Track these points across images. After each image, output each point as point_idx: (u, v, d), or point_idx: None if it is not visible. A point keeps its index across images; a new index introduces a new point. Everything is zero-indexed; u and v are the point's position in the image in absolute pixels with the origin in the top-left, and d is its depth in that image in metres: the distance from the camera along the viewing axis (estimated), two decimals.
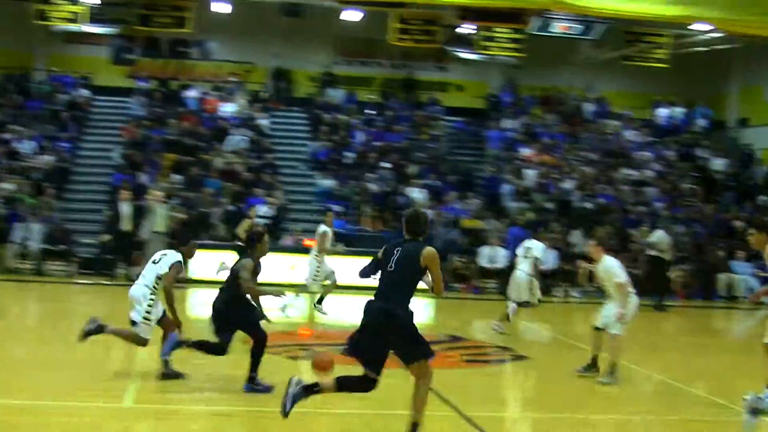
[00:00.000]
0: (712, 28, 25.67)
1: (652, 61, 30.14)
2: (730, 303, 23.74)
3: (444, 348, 14.49)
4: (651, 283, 21.45)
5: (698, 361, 15.01)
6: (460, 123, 32.62)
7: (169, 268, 10.69)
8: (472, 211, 25.81)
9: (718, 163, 31.88)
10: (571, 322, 20.22)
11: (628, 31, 29.02)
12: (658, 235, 22.68)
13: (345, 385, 8.42)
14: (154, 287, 10.73)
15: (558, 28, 27.93)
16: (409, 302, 8.34)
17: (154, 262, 10.95)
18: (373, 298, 8.41)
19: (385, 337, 8.26)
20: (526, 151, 29.65)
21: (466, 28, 28.78)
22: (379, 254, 8.55)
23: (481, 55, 29.36)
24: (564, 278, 23.73)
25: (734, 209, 28.55)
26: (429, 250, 8.36)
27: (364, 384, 8.38)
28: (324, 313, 17.15)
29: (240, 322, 10.48)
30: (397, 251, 8.40)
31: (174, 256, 10.84)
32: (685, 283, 24.31)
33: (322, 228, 17.39)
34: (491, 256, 23.31)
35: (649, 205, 27.44)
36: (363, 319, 8.37)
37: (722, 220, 27.54)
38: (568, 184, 27.70)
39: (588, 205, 26.54)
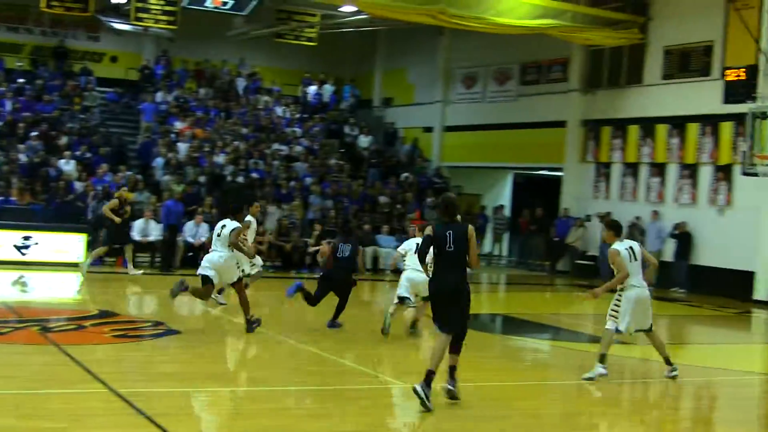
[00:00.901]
0: (357, 9, 26.73)
1: (302, 40, 30.96)
2: (375, 275, 24.98)
3: (94, 323, 14.33)
4: None
5: (344, 333, 15.74)
6: (113, 94, 31.96)
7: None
8: (125, 184, 25.39)
9: (364, 141, 33.39)
10: (222, 294, 20.47)
11: (279, 9, 29.61)
12: None
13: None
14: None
15: (211, 2, 27.98)
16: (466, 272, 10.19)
17: (218, 236, 14.20)
18: (438, 274, 10.06)
19: (457, 304, 9.99)
20: (179, 125, 29.58)
21: None
22: (429, 237, 10.04)
23: (134, 26, 28.88)
24: None
25: (379, 185, 30.02)
26: (471, 227, 10.15)
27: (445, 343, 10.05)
28: None
29: None
30: (449, 234, 9.94)
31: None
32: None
33: None
34: (144, 229, 23.07)
35: (298, 180, 28.24)
36: (438, 294, 10.10)
37: (368, 196, 28.87)
38: (220, 158, 27.93)
39: (240, 179, 26.91)
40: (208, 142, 28.89)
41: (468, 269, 10.37)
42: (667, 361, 12.49)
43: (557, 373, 13.42)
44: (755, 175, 18.84)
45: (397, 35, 35.86)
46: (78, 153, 26.49)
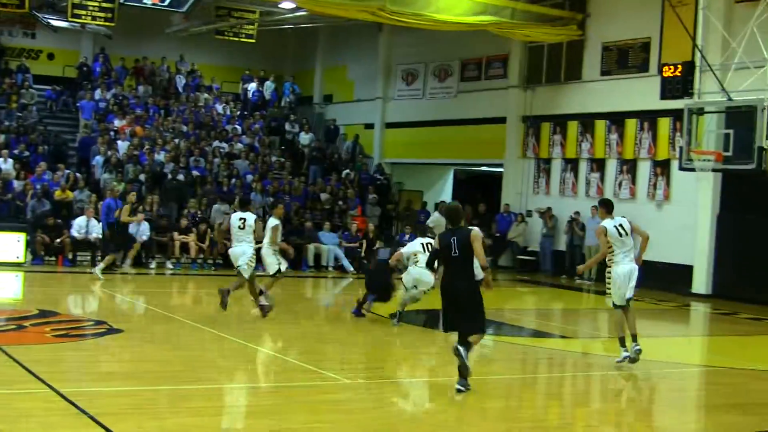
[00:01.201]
0: (297, 6, 26.68)
1: (242, 36, 30.82)
2: (317, 272, 24.95)
3: (35, 323, 14.16)
4: None
5: (289, 330, 15.71)
6: (50, 92, 31.55)
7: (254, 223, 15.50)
8: (64, 183, 25.09)
9: (305, 138, 33.33)
10: (166, 293, 20.37)
11: (218, 6, 29.44)
12: (434, 218, 23.33)
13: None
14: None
15: None
16: (474, 276, 10.77)
17: (240, 228, 15.46)
18: (447, 279, 10.68)
19: (465, 307, 10.60)
20: (117, 123, 29.30)
21: None
22: (437, 246, 10.93)
23: (71, 23, 28.51)
24: (158, 250, 23.80)
25: (320, 182, 29.98)
26: (474, 231, 10.81)
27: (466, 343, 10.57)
28: None
29: None
30: (454, 240, 10.62)
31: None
32: None
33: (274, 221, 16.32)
34: (84, 227, 22.81)
35: (239, 177, 28.11)
36: (448, 298, 10.66)
37: (309, 193, 28.82)
38: (161, 156, 27.70)
39: (181, 177, 26.71)
40: (147, 139, 28.64)
41: (480, 271, 11.01)
42: (634, 338, 12.88)
43: (500, 368, 13.51)
44: (692, 170, 19.11)
45: (337, 32, 35.85)
46: (16, 151, 26.14)
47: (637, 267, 12.97)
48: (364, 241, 26.08)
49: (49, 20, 30.73)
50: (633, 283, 12.90)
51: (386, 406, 10.08)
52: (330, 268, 25.23)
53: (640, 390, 12.52)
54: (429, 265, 11.57)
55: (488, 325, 15.47)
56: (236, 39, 30.94)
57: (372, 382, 11.51)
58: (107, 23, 26.66)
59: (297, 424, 9.12)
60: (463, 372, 10.47)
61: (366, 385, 11.21)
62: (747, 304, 21.39)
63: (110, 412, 8.93)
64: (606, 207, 13.14)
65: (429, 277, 15.03)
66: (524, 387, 12.01)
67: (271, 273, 16.13)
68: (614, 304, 13.04)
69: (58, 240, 22.53)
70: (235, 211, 16.59)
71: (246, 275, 15.69)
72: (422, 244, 15.65)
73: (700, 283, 23.45)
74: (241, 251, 15.57)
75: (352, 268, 25.12)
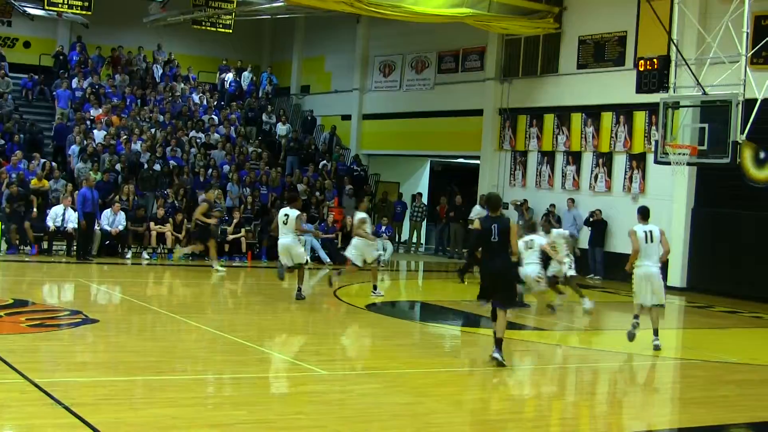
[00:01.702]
0: None
1: (219, 27, 30.67)
2: (311, 264, 24.93)
3: (9, 313, 14.09)
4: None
5: (266, 321, 15.71)
6: (26, 80, 31.34)
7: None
8: (40, 171, 24.95)
9: (282, 128, 33.28)
10: (141, 283, 20.33)
11: None
12: (477, 211, 23.33)
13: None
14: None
15: None
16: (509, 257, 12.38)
17: (284, 223, 17.32)
18: (487, 259, 12.19)
19: (502, 283, 12.17)
20: (94, 112, 29.15)
21: None
22: (477, 230, 12.18)
23: (48, 11, 28.31)
24: (134, 240, 23.74)
25: (297, 173, 29.95)
26: (512, 221, 12.63)
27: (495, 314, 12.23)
28: None
29: None
30: (495, 226, 12.02)
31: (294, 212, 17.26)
32: (252, 243, 25.19)
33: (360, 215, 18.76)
34: (60, 217, 22.71)
35: (216, 167, 28.03)
36: (488, 275, 12.24)
37: (287, 184, 28.78)
38: (137, 146, 27.60)
39: (157, 167, 26.62)
40: (124, 129, 28.51)
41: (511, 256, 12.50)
42: (655, 333, 14.24)
43: (475, 360, 13.58)
44: (668, 163, 19.20)
45: (315, 23, 35.80)
46: None
47: (656, 272, 14.19)
48: (340, 233, 26.13)
49: (26, 8, 30.51)
50: (655, 287, 14.20)
51: (363, 397, 10.12)
52: (307, 260, 25.18)
53: (615, 383, 12.62)
54: (473, 248, 13.43)
55: (464, 317, 15.59)
56: (213, 29, 30.77)
57: (349, 373, 11.55)
58: (84, 12, 26.46)
59: (274, 415, 9.14)
60: (502, 364, 11.95)
61: (343, 377, 11.25)
62: (722, 297, 21.56)
63: (86, 402, 8.92)
64: (641, 214, 14.50)
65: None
66: (499, 379, 12.06)
67: (369, 262, 18.43)
68: (641, 305, 14.38)
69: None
70: (282, 207, 18.84)
71: (302, 260, 17.81)
72: (525, 242, 16.82)
73: (675, 276, 23.59)
74: (289, 242, 17.57)
75: (328, 260, 25.12)
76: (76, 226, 22.47)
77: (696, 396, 11.55)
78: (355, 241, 18.55)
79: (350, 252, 18.66)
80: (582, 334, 16.82)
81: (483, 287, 12.38)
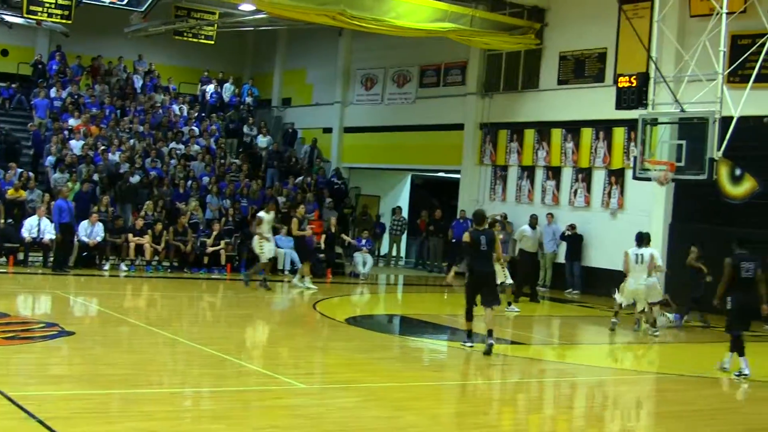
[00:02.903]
0: (257, 8, 26.64)
1: (201, 38, 30.70)
2: (273, 276, 24.83)
3: None
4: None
5: (244, 334, 15.67)
6: (4, 89, 31.19)
7: None
8: (17, 182, 24.82)
9: (263, 141, 33.24)
10: (118, 295, 20.22)
11: (177, 6, 29.29)
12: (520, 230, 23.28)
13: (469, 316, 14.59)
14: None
15: None
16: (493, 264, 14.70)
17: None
18: (477, 266, 14.34)
19: (488, 286, 14.52)
20: (72, 122, 29.02)
21: None
22: (468, 242, 14.33)
23: (27, 20, 28.20)
24: (112, 251, 23.63)
25: (278, 185, 29.90)
26: (495, 232, 15.37)
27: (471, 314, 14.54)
28: None
29: None
30: (482, 237, 14.28)
31: None
32: (231, 255, 25.11)
33: None
34: (35, 227, 22.60)
35: (196, 179, 27.95)
36: (476, 280, 14.40)
37: (267, 196, 28.71)
38: (115, 157, 27.48)
39: (136, 178, 26.51)
40: (103, 139, 28.40)
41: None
42: (653, 324, 17.96)
43: (454, 374, 13.59)
44: (646, 179, 19.30)
45: (297, 35, 35.81)
46: None
47: (643, 287, 17.85)
48: (324, 235, 26.13)
49: (4, 16, 30.34)
50: (639, 296, 17.98)
51: (342, 410, 10.10)
52: (286, 272, 25.16)
53: (592, 397, 12.64)
54: (464, 255, 14.95)
55: (444, 331, 15.63)
56: (195, 40, 30.81)
57: (328, 386, 11.53)
58: (64, 21, 26.42)
59: (251, 429, 9.11)
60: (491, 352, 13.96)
61: (321, 390, 11.23)
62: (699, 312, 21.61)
63: (60, 416, 8.86)
64: (636, 239, 18.35)
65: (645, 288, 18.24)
66: (477, 392, 12.08)
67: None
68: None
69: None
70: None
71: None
72: (636, 255, 18.21)
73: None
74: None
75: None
76: (53, 237, 22.36)
77: (672, 410, 11.58)
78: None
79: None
80: (559, 348, 16.86)
81: (473, 291, 14.48)
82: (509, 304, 20.40)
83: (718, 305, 14.32)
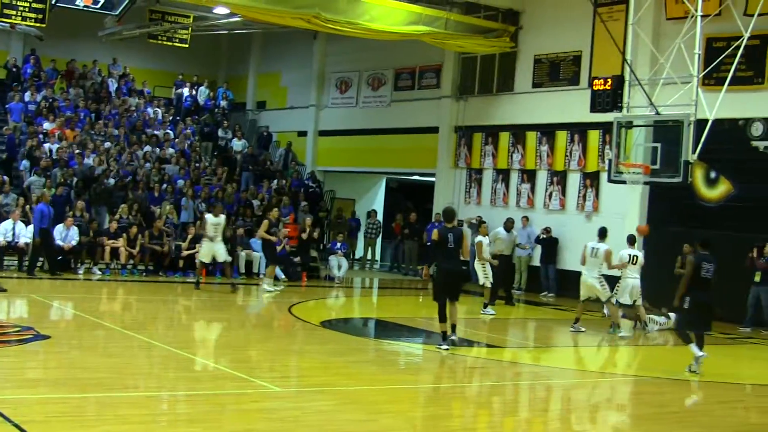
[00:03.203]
0: (231, 12, 26.61)
1: (175, 41, 30.59)
2: (248, 279, 24.82)
3: None
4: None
5: (220, 337, 15.63)
6: None
7: None
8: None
9: (238, 144, 33.18)
10: (93, 299, 20.13)
11: (152, 9, 29.18)
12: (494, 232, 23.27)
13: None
14: None
15: (81, 0, 27.48)
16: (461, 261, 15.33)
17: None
18: (444, 262, 14.70)
19: (456, 283, 14.95)
20: (47, 125, 28.87)
21: None
22: (436, 239, 14.59)
23: (1, 23, 28.00)
24: (87, 255, 23.51)
25: (252, 189, 29.84)
26: (465, 230, 15.36)
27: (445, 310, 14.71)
28: None
29: None
30: (450, 235, 14.58)
31: None
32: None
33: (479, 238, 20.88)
34: (9, 231, 22.43)
35: (171, 182, 27.87)
36: (444, 277, 14.75)
37: (242, 199, 28.67)
38: (90, 160, 27.36)
39: (111, 181, 26.40)
40: (78, 143, 28.25)
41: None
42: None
43: (429, 377, 13.61)
44: (621, 182, 19.43)
45: (272, 39, 35.79)
46: None
47: (596, 280, 18.55)
48: (304, 235, 26.09)
49: None
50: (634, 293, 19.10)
51: (317, 414, 10.09)
52: (261, 275, 25.11)
53: (567, 400, 12.69)
54: (426, 255, 15.75)
55: (418, 334, 15.67)
56: (170, 43, 30.70)
57: (302, 390, 11.51)
58: (38, 24, 26.24)
59: None
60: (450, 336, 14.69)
61: (297, 393, 11.22)
62: (674, 315, 21.72)
63: (36, 419, 8.81)
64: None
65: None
66: (452, 396, 12.10)
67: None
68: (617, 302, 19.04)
69: None
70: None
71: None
72: (630, 255, 19.09)
73: (626, 293, 23.75)
74: None
75: (283, 276, 25.04)
76: (29, 240, 22.22)
77: (648, 412, 11.64)
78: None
79: None
80: (534, 351, 16.91)
81: (438, 287, 14.96)
82: (485, 306, 20.48)
83: (677, 305, 14.44)
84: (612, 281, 19.29)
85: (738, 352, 18.65)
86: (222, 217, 22.03)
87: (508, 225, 23.53)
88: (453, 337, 14.65)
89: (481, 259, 20.51)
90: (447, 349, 14.48)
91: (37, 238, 21.93)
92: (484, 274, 20.64)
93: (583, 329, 18.32)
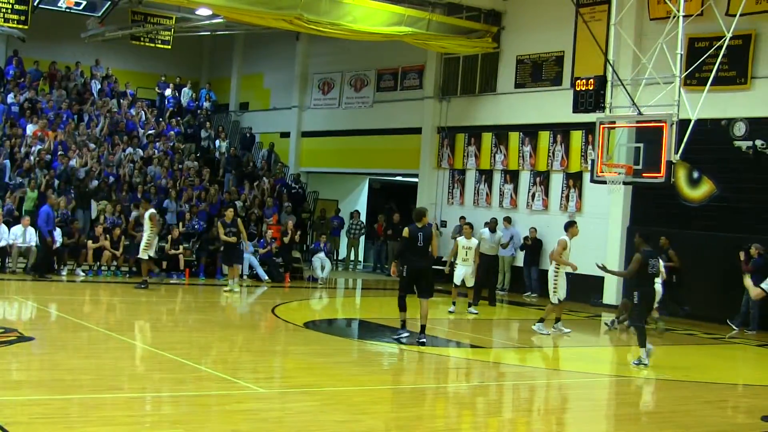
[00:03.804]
0: (213, 13, 26.58)
1: (158, 42, 30.53)
2: (248, 282, 24.78)
3: None
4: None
5: (203, 338, 15.60)
6: None
7: None
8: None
9: (221, 145, 33.13)
10: (77, 300, 20.07)
11: (134, 11, 29.11)
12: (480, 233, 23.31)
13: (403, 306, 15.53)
14: None
15: (63, 2, 27.43)
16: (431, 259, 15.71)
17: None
18: (413, 260, 15.13)
19: (425, 280, 15.35)
20: (30, 127, 28.75)
21: None
22: (406, 237, 15.12)
23: None
24: (71, 255, 23.44)
25: (235, 190, 29.81)
26: (434, 229, 16.22)
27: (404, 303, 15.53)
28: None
29: None
30: (420, 234, 15.13)
31: None
32: (190, 260, 24.99)
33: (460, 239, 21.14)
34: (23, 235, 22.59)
35: (154, 184, 27.79)
36: (413, 272, 15.16)
37: (224, 201, 28.63)
38: (73, 162, 27.26)
39: (94, 182, 26.32)
40: (60, 144, 28.15)
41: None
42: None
43: (413, 377, 13.63)
44: (604, 182, 19.50)
45: (254, 40, 35.76)
46: None
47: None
48: (286, 239, 26.07)
49: None
50: None
51: (301, 414, 10.10)
52: (245, 277, 25.08)
53: (553, 400, 12.73)
54: (397, 254, 15.70)
55: (399, 335, 15.68)
56: (152, 45, 30.63)
57: (286, 391, 11.51)
58: (21, 26, 26.11)
59: None
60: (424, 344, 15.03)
61: (281, 394, 11.22)
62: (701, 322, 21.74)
63: (20, 421, 8.79)
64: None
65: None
66: (437, 396, 12.12)
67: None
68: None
69: None
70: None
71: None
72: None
73: (611, 293, 23.91)
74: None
75: (266, 277, 25.02)
76: (33, 243, 22.55)
77: (628, 412, 11.69)
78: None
79: None
80: (519, 352, 16.95)
81: (408, 284, 15.32)
82: (469, 305, 20.52)
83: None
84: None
85: (728, 353, 18.74)
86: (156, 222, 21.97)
87: (492, 225, 23.56)
88: (423, 339, 15.12)
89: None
90: (407, 336, 15.34)
91: (48, 239, 22.00)
92: (471, 275, 20.66)
93: (566, 330, 18.35)
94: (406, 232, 15.30)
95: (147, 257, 21.48)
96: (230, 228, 22.15)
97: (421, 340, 15.06)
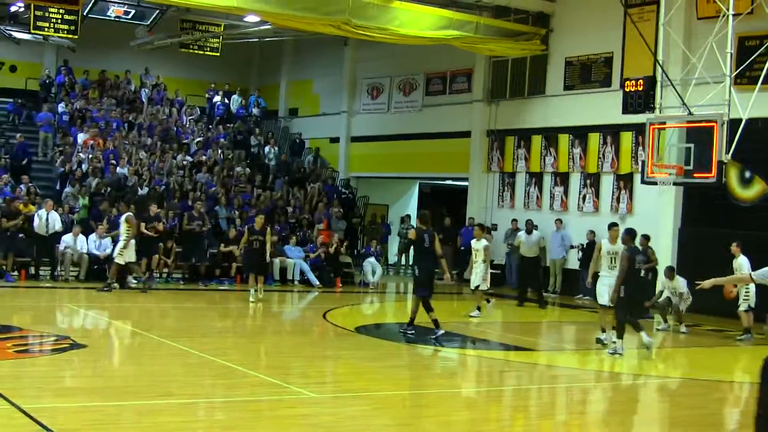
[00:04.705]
0: (262, 20, 26.70)
1: (206, 50, 30.74)
2: (283, 286, 24.86)
3: None
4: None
5: (255, 344, 15.67)
6: (12, 105, 31.31)
7: None
8: (26, 196, 24.85)
9: (270, 151, 33.28)
10: (129, 308, 20.18)
11: (183, 19, 29.35)
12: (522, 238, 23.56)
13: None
14: None
15: (112, 11, 27.74)
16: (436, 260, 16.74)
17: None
18: (422, 261, 16.60)
19: (431, 280, 16.57)
20: (81, 135, 29.11)
21: (19, 6, 27.68)
22: (412, 238, 16.59)
23: (34, 35, 28.31)
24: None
25: (286, 196, 29.91)
26: (436, 234, 16.72)
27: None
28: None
29: None
30: (426, 236, 16.23)
31: None
32: (241, 267, 25.07)
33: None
34: (73, 243, 22.79)
35: (204, 191, 27.96)
36: (424, 273, 16.49)
37: (276, 207, 28.73)
38: (124, 170, 27.52)
39: (144, 189, 26.55)
40: (111, 152, 28.45)
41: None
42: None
43: (465, 381, 13.57)
44: (654, 183, 19.29)
45: (303, 46, 35.89)
46: None
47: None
48: (331, 249, 26.09)
49: (11, 32, 30.50)
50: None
51: (352, 419, 10.09)
52: (296, 282, 25.14)
53: (604, 402, 12.61)
54: (401, 252, 16.39)
55: (454, 339, 15.63)
56: (201, 52, 30.85)
57: (338, 396, 11.52)
58: (70, 36, 26.46)
59: None
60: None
61: (332, 399, 11.23)
62: (709, 316, 21.57)
63: (73, 428, 8.88)
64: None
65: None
66: (489, 400, 12.06)
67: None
68: None
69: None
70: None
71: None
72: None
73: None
74: None
75: (317, 282, 25.07)
76: (85, 251, 22.85)
77: (686, 414, 11.55)
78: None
79: None
80: (568, 354, 16.82)
81: (423, 281, 16.54)
82: (478, 308, 20.36)
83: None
84: None
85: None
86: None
87: (528, 227, 23.54)
88: (440, 332, 16.23)
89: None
90: (442, 333, 16.24)
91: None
92: (483, 278, 20.29)
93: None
94: (413, 234, 16.66)
95: (123, 263, 21.39)
96: (257, 236, 21.33)
97: (438, 334, 16.18)
